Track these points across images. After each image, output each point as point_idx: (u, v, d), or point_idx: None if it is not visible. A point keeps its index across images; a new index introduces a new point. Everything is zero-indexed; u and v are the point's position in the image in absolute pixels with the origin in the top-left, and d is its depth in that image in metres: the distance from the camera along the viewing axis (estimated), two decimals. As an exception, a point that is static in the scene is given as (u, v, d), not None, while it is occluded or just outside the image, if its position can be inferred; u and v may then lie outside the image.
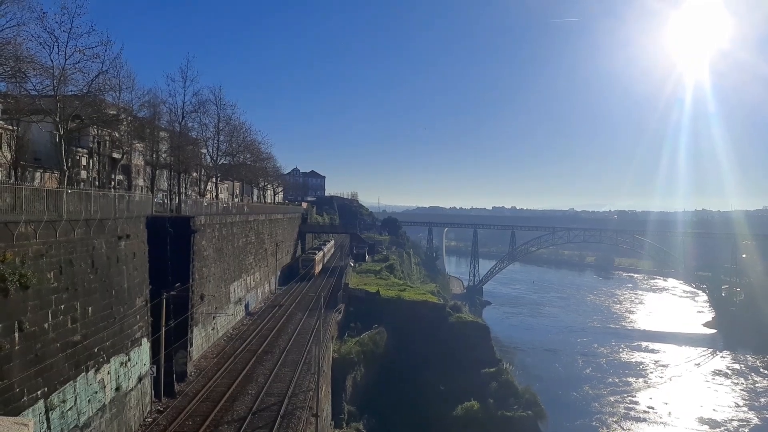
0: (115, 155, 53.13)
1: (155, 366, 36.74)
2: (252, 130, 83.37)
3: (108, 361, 29.72)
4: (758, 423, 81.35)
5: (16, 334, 21.82)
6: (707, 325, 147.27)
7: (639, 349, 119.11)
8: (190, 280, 42.99)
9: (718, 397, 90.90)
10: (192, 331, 44.86)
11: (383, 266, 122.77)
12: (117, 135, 50.32)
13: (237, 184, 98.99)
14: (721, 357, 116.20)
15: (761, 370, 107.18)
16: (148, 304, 35.85)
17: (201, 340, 49.55)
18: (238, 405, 38.56)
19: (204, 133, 67.32)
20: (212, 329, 53.39)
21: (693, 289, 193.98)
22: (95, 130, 47.48)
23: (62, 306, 25.24)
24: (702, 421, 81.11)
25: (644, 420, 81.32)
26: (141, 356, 34.60)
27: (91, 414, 27.71)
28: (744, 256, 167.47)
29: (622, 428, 78.98)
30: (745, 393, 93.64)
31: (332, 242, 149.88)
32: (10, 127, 40.93)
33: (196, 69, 73.45)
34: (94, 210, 28.25)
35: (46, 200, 24.39)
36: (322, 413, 41.63)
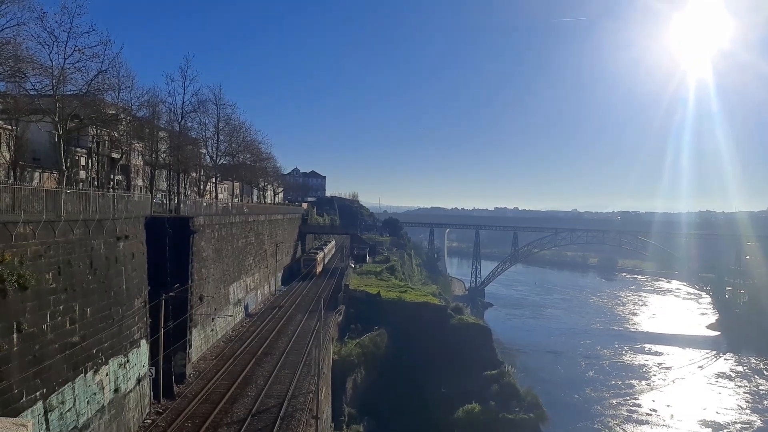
0: (114, 155, 53.02)
1: (154, 367, 36.55)
2: (252, 130, 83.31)
3: (107, 363, 29.55)
4: (761, 426, 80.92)
5: (15, 335, 21.68)
6: (711, 327, 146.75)
7: (642, 351, 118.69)
8: (189, 281, 42.83)
9: (721, 400, 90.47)
10: (191, 333, 44.69)
11: (384, 267, 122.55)
12: (116, 135, 50.20)
13: (237, 184, 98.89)
14: (725, 359, 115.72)
15: (765, 372, 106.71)
16: (147, 306, 35.69)
17: (200, 342, 49.37)
18: (238, 407, 38.37)
19: (203, 133, 67.31)
20: (211, 331, 53.21)
21: (696, 291, 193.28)
22: (94, 129, 47.36)
23: (61, 307, 25.09)
24: (705, 423, 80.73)
25: (647, 422, 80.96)
26: (140, 358, 34.43)
27: (89, 415, 27.55)
28: (748, 257, 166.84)
29: (625, 431, 78.62)
30: (748, 395, 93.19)
31: (333, 243, 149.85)
32: (9, 127, 40.83)
33: (196, 69, 73.60)
34: (93, 210, 28.11)
35: (44, 200, 24.28)
36: (322, 415, 41.40)
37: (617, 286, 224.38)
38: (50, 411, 23.97)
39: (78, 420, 26.35)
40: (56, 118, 36.08)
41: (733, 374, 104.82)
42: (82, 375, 26.91)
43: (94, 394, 28.16)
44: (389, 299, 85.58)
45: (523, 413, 66.69)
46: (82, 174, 49.46)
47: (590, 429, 79.25)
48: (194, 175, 72.95)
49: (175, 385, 40.61)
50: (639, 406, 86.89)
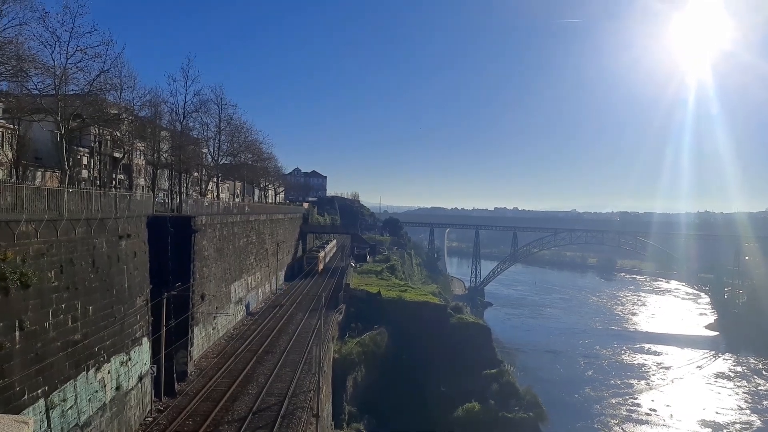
0: (116, 154, 53.18)
1: (156, 365, 36.71)
2: (253, 130, 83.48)
3: (108, 361, 29.71)
4: (761, 426, 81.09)
5: (17, 333, 21.82)
6: (709, 327, 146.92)
7: (641, 351, 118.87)
8: (191, 280, 43.00)
9: (720, 400, 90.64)
10: (192, 331, 44.87)
11: (384, 267, 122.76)
12: (118, 134, 50.34)
13: (238, 183, 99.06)
14: (724, 359, 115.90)
15: (764, 372, 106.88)
16: (149, 304, 35.84)
17: (201, 340, 49.53)
18: (239, 405, 38.52)
19: (205, 133, 67.47)
20: (213, 329, 53.37)
21: (695, 291, 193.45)
22: (96, 129, 47.49)
23: (63, 305, 25.24)
24: (704, 423, 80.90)
25: (646, 422, 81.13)
26: (141, 356, 34.59)
27: (91, 413, 27.70)
28: (747, 258, 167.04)
29: (624, 430, 78.78)
30: (747, 395, 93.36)
31: (334, 242, 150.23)
32: (12, 126, 41.01)
33: (198, 69, 73.52)
34: (95, 209, 28.25)
35: (47, 199, 24.39)
36: (322, 413, 41.57)
37: (616, 286, 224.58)
38: (52, 409, 24.12)
39: (79, 418, 26.50)
40: (58, 118, 36.18)
41: (731, 374, 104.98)
42: (84, 373, 27.05)
43: (96, 391, 28.31)
44: (389, 298, 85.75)
45: (522, 412, 66.87)
46: (85, 173, 49.63)
47: (589, 428, 79.41)
48: (196, 174, 73.12)
49: (176, 383, 40.76)
50: (638, 405, 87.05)
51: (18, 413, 21.30)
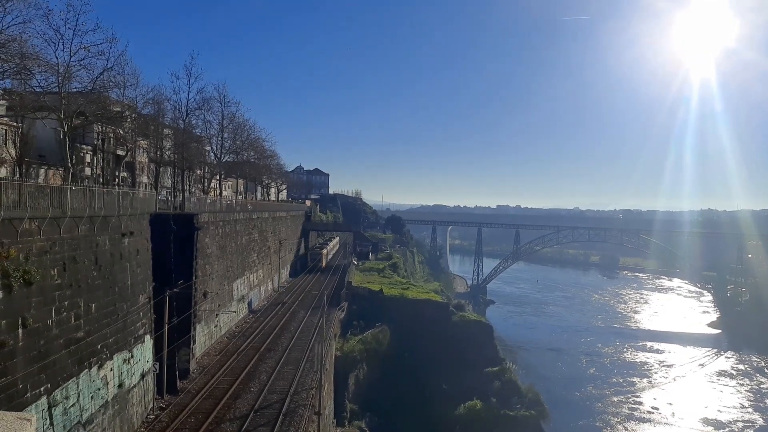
0: (119, 152, 53.22)
1: (158, 363, 36.81)
2: (256, 128, 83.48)
3: (111, 358, 29.80)
4: (763, 424, 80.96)
5: (20, 331, 21.90)
6: (712, 325, 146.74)
7: (643, 349, 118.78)
8: (194, 278, 43.08)
9: (722, 398, 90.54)
10: (195, 329, 44.97)
11: (387, 264, 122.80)
12: (121, 132, 50.39)
13: (241, 181, 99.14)
14: (726, 357, 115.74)
15: (766, 370, 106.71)
16: (151, 301, 35.93)
17: (204, 338, 49.65)
18: (241, 402, 38.62)
19: (208, 131, 67.44)
20: (215, 327, 53.49)
21: (698, 289, 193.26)
22: (99, 127, 47.53)
23: (66, 302, 25.31)
24: (706, 421, 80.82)
25: (648, 420, 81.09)
26: (144, 353, 34.68)
27: (93, 410, 27.80)
28: (750, 256, 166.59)
29: (626, 428, 78.76)
30: (750, 394, 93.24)
31: (337, 239, 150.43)
32: (15, 124, 41.05)
33: (201, 67, 73.64)
34: (98, 207, 28.31)
35: (50, 197, 24.43)
36: (324, 411, 41.62)
37: (619, 284, 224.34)
38: (54, 406, 24.21)
39: (82, 415, 26.61)
40: (62, 115, 36.23)
41: (734, 372, 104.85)
42: (87, 370, 27.15)
43: (98, 389, 28.40)
44: (391, 296, 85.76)
45: (524, 410, 66.90)
46: (88, 171, 49.72)
47: (592, 426, 79.40)
48: (199, 172, 73.19)
49: (178, 381, 40.87)
50: (640, 403, 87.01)
51: (21, 410, 21.37)
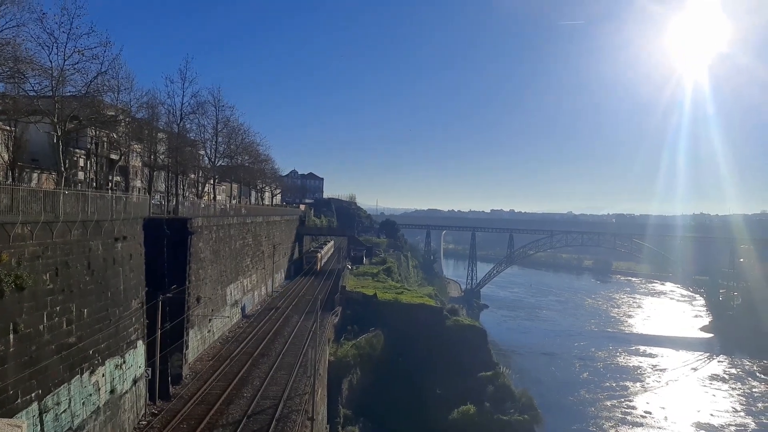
0: (113, 156, 53.03)
1: (150, 368, 36.64)
2: (250, 132, 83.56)
3: (103, 364, 29.63)
4: (755, 428, 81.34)
5: (11, 336, 21.76)
6: (704, 329, 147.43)
7: (636, 353, 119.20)
8: (187, 282, 42.93)
9: (715, 402, 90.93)
10: (188, 334, 44.78)
11: (381, 269, 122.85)
12: (115, 136, 50.22)
13: (235, 185, 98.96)
14: (719, 361, 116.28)
15: (758, 374, 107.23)
16: (144, 306, 35.78)
17: (197, 343, 49.45)
18: (234, 408, 38.47)
19: (202, 135, 67.40)
20: (208, 332, 53.29)
21: (690, 293, 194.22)
22: (93, 131, 47.38)
23: (58, 308, 25.18)
24: (699, 426, 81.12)
25: (641, 425, 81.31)
26: (136, 358, 34.51)
27: (85, 416, 27.62)
28: (742, 260, 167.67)
29: (619, 433, 78.96)
30: (742, 398, 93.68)
31: (331, 243, 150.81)
32: (8, 128, 40.82)
33: (195, 71, 73.65)
34: (91, 211, 28.20)
35: (42, 201, 24.32)
36: (317, 417, 41.54)
37: (612, 288, 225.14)
38: (45, 412, 24.04)
39: (73, 421, 26.43)
40: (55, 119, 36.08)
41: (726, 376, 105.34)
42: (78, 376, 26.99)
43: (90, 395, 28.23)
44: (386, 301, 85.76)
45: (518, 414, 66.99)
46: (81, 175, 49.46)
47: (585, 431, 79.55)
48: (193, 176, 73.03)
49: (171, 386, 40.66)
50: (633, 407, 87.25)
51: (11, 417, 21.24)
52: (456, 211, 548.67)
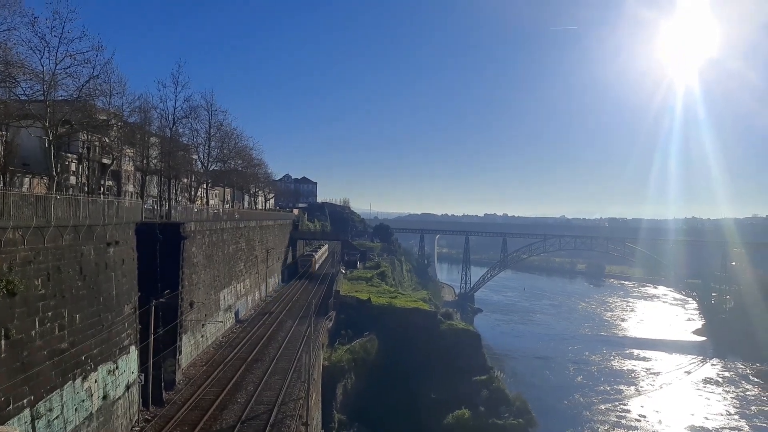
0: (105, 161, 52.78)
1: (143, 374, 36.39)
2: (243, 136, 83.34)
3: (95, 369, 29.42)
4: (749, 431, 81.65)
5: (3, 342, 21.61)
6: (697, 332, 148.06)
7: (630, 356, 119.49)
8: (180, 287, 42.71)
9: (708, 405, 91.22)
10: (181, 339, 44.53)
11: (375, 273, 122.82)
12: (107, 140, 49.95)
13: (228, 190, 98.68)
14: (712, 364, 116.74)
15: (751, 377, 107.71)
16: (137, 312, 35.56)
17: (190, 348, 49.18)
18: (227, 413, 38.24)
19: (195, 139, 67.14)
20: (201, 337, 53.02)
21: (683, 297, 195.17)
22: (85, 135, 47.15)
23: (50, 313, 25.00)
24: (693, 429, 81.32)
25: (635, 428, 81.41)
26: (129, 364, 34.28)
27: (77, 423, 27.40)
28: (734, 263, 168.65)
29: (613, 436, 79.04)
30: (735, 401, 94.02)
31: (326, 247, 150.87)
32: (-1, 132, 40.54)
33: (188, 75, 73.42)
34: (83, 216, 28.04)
35: (34, 206, 24.20)
36: (312, 422, 41.37)
37: (605, 292, 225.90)
38: (38, 418, 23.83)
39: (65, 427, 26.23)
40: (47, 124, 35.86)
41: (720, 379, 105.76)
42: (71, 382, 26.79)
43: (83, 401, 28.02)
44: (380, 305, 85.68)
45: (512, 419, 66.96)
46: (73, 180, 49.18)
47: (579, 435, 79.60)
48: (185, 180, 72.74)
49: (164, 392, 40.40)
50: (628, 411, 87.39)
51: (3, 424, 21.06)
52: (450, 215, 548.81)
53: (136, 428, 34.97)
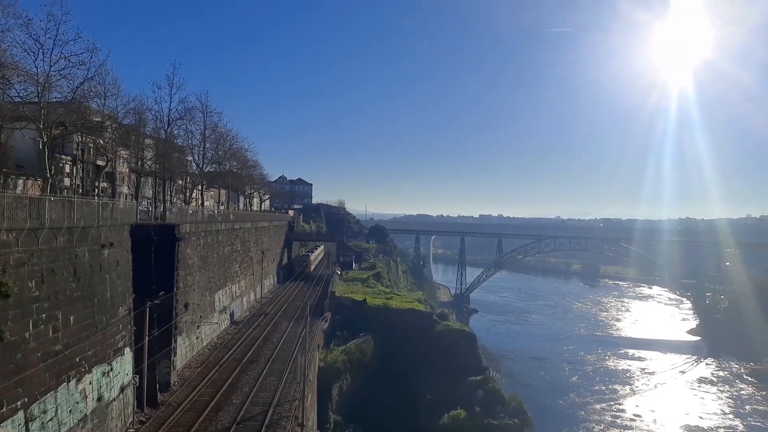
0: (100, 162, 52.67)
1: (138, 376, 36.34)
2: (238, 138, 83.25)
3: (90, 371, 29.37)
4: (743, 430, 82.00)
5: (-4, 344, 21.52)
6: (692, 332, 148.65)
7: (625, 356, 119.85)
8: (174, 289, 42.69)
9: (703, 405, 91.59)
10: (176, 341, 44.51)
11: (370, 274, 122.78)
12: (101, 142, 49.88)
13: (223, 191, 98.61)
14: (706, 364, 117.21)
15: (745, 377, 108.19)
16: (132, 313, 35.50)
17: (185, 350, 49.11)
18: (223, 415, 38.22)
19: (190, 141, 67.06)
20: (196, 338, 52.95)
21: (677, 297, 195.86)
22: (79, 137, 47.02)
23: (44, 315, 24.95)
24: (688, 428, 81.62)
25: (630, 428, 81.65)
26: (124, 366, 34.23)
27: (72, 425, 27.36)
28: (727, 263, 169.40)
29: (608, 436, 79.26)
30: (730, 400, 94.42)
31: (321, 247, 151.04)
32: (-7, 134, 40.42)
33: (183, 77, 73.33)
34: (77, 218, 28.00)
35: (28, 208, 24.15)
36: (307, 423, 41.37)
37: (600, 292, 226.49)
38: (31, 420, 23.79)
39: (60, 429, 26.18)
40: (41, 126, 35.79)
41: (714, 379, 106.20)
42: (65, 384, 26.74)
43: (77, 403, 27.97)
44: (375, 306, 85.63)
45: (507, 419, 67.03)
46: (67, 181, 49.06)
47: (574, 434, 79.78)
48: (180, 182, 72.64)
49: (159, 394, 40.35)
50: (623, 411, 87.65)
51: (-3, 426, 21.01)
52: (445, 216, 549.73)
53: (131, 430, 34.92)
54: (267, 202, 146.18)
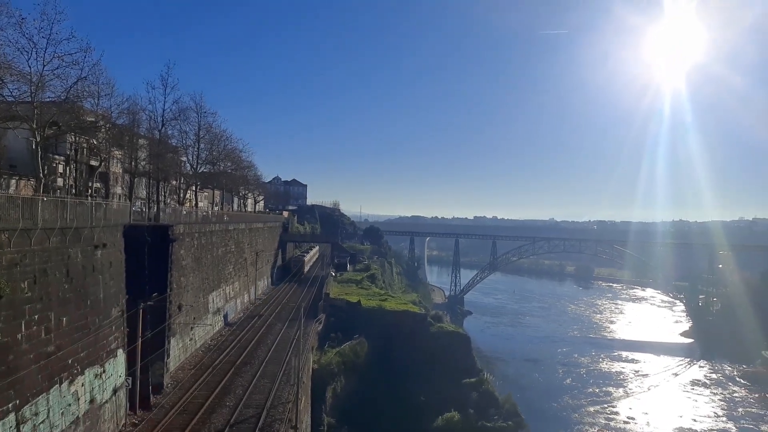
0: (93, 163, 52.41)
1: (131, 378, 36.08)
2: (233, 138, 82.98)
3: (82, 373, 29.15)
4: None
5: (-13, 345, 21.33)
6: (685, 334, 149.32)
7: (618, 358, 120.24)
8: (168, 290, 42.45)
9: (696, 407, 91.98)
10: (169, 342, 44.24)
11: (364, 276, 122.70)
12: (95, 142, 49.66)
13: (217, 192, 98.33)
14: (699, 366, 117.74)
15: (738, 379, 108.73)
16: (125, 315, 35.26)
17: (178, 351, 48.84)
18: (216, 417, 38.02)
19: (184, 141, 66.82)
20: (190, 340, 52.68)
21: (671, 299, 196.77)
22: (73, 137, 46.80)
23: (36, 316, 24.75)
24: (681, 430, 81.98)
25: (624, 430, 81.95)
26: (116, 368, 33.99)
27: (64, 427, 27.14)
28: (720, 266, 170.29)
29: (602, 438, 79.45)
30: (722, 402, 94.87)
31: (316, 248, 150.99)
32: (-15, 134, 40.15)
33: (177, 77, 73.08)
34: (70, 218, 27.81)
35: (21, 208, 23.97)
36: (301, 425, 41.25)
37: (594, 294, 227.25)
38: (23, 423, 23.58)
39: (51, 431, 25.95)
40: (34, 125, 35.56)
41: (707, 381, 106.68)
42: (57, 386, 26.53)
43: (69, 405, 27.76)
44: (369, 308, 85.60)
45: (501, 421, 67.09)
46: (60, 181, 48.79)
47: (568, 437, 79.93)
48: (174, 183, 72.38)
49: (152, 396, 40.09)
50: (616, 413, 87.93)
51: (-13, 428, 20.82)
52: (440, 217, 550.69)
53: (124, 432, 34.69)
54: (261, 203, 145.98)
